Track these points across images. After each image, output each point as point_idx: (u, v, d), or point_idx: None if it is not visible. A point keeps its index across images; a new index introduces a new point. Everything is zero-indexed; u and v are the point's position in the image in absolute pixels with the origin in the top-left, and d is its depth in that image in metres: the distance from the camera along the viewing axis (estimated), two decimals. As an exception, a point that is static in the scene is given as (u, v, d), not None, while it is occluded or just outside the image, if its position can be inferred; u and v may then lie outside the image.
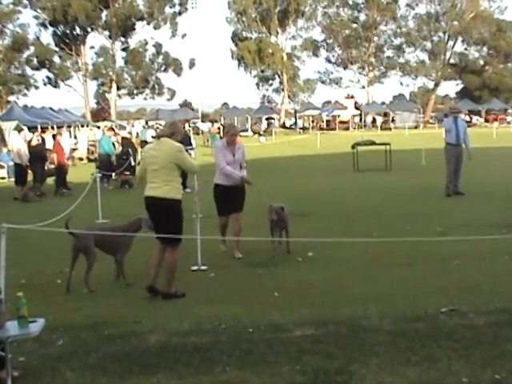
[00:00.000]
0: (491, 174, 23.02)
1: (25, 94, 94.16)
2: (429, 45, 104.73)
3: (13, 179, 24.92)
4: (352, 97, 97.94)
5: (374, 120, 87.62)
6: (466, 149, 18.51)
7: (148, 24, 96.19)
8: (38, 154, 23.04)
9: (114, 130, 29.94)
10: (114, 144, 27.44)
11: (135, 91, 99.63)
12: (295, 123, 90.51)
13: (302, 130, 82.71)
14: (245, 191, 11.77)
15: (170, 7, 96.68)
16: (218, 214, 11.79)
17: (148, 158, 9.22)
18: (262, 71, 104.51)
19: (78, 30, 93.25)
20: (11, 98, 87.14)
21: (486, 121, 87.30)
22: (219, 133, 57.78)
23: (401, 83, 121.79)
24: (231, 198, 11.44)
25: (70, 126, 51.12)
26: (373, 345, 6.66)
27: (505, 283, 9.03)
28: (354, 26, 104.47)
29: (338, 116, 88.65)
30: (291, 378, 5.92)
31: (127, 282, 9.78)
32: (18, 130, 27.13)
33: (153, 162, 9.02)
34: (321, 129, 78.35)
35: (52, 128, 42.73)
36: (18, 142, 23.66)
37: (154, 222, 9.17)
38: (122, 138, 30.05)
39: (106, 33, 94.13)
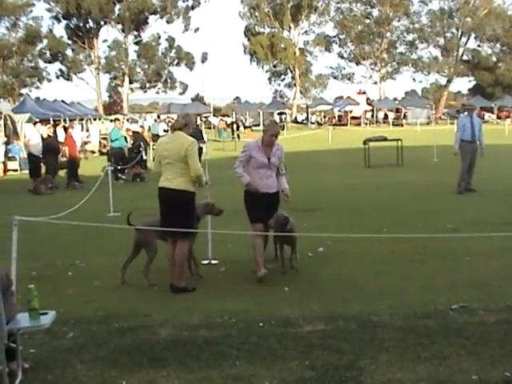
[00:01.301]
0: (503, 172, 22.95)
1: (37, 87, 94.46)
2: (442, 41, 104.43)
3: (25, 171, 25.00)
4: (364, 92, 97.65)
5: (386, 116, 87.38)
6: (479, 146, 18.50)
7: (161, 18, 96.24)
8: (49, 147, 23.10)
9: (118, 119, 29.70)
10: (125, 138, 27.46)
11: (147, 85, 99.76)
12: (307, 118, 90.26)
13: (315, 125, 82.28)
14: (279, 200, 9.91)
15: (183, 1, 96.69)
16: (250, 222, 9.73)
17: (161, 151, 9.25)
18: (275, 66, 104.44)
19: (91, 23, 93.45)
20: (24, 91, 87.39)
21: (499, 118, 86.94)
22: (231, 127, 57.92)
23: (413, 79, 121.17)
24: (262, 206, 9.52)
25: (82, 119, 51.21)
26: (383, 341, 6.66)
27: (515, 281, 9.02)
28: (367, 21, 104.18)
29: (350, 111, 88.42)
30: (301, 373, 5.93)
31: (198, 272, 9.84)
32: (33, 122, 27.26)
33: (166, 155, 9.06)
34: (332, 124, 78.13)
35: (64, 121, 42.81)
36: (33, 134, 23.73)
37: (164, 214, 9.12)
38: (133, 132, 30.10)
39: (119, 26, 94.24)
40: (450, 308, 7.71)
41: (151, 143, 36.02)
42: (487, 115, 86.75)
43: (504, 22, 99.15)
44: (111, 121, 44.37)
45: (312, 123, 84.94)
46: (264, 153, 9.64)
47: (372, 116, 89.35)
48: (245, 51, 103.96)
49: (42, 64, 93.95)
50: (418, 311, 7.64)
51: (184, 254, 9.11)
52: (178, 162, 8.94)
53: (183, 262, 9.14)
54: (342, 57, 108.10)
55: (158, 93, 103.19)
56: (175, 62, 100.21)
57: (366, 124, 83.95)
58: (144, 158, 26.23)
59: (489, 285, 8.81)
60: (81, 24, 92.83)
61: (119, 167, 24.31)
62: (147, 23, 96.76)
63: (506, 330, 6.87)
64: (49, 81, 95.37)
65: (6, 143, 30.90)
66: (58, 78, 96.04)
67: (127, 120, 50.20)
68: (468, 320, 7.27)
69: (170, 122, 51.61)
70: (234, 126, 57.44)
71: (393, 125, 79.10)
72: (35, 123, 26.81)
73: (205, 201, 9.95)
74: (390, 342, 6.63)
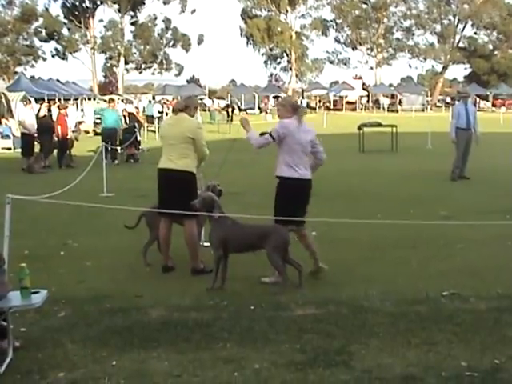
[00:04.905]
0: (497, 160, 22.95)
1: (32, 66, 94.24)
2: (438, 28, 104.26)
3: (18, 150, 24.90)
4: (360, 78, 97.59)
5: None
6: (473, 133, 18.50)
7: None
8: (45, 126, 23.00)
9: (113, 100, 29.21)
10: (121, 119, 27.33)
11: (143, 66, 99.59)
12: (301, 102, 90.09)
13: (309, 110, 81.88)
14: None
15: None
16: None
17: (164, 132, 9.31)
18: (271, 49, 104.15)
19: (87, 3, 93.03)
20: (19, 69, 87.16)
21: (494, 106, 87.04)
22: (226, 110, 57.78)
23: (409, 65, 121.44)
24: (303, 198, 8.98)
25: (76, 99, 51.03)
26: (373, 326, 6.68)
27: (507, 269, 9.03)
28: (364, 6, 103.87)
29: (346, 96, 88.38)
30: (291, 356, 5.94)
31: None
32: (25, 102, 27.12)
33: (170, 136, 9.06)
34: (327, 109, 77.98)
35: (59, 100, 42.61)
36: (25, 113, 23.64)
37: (165, 195, 9.08)
38: (128, 113, 30.02)
39: (116, 6, 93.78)
40: (442, 295, 7.74)
41: (145, 124, 35.96)
42: (482, 103, 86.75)
43: (501, 10, 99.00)
44: (105, 101, 44.15)
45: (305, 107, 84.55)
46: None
47: (367, 101, 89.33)
48: (241, 34, 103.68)
49: (37, 43, 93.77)
50: (410, 297, 7.66)
51: (193, 236, 9.09)
52: (182, 144, 8.93)
53: (195, 243, 9.12)
54: (339, 41, 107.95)
55: (153, 74, 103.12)
56: (171, 44, 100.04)
57: (362, 109, 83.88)
58: (138, 138, 26.15)
59: (480, 272, 8.83)
60: (77, 3, 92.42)
61: (118, 148, 24.16)
62: (143, 4, 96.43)
63: (497, 317, 6.90)
64: (44, 60, 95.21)
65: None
66: (53, 57, 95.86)
67: (122, 101, 49.98)
68: (459, 307, 7.29)
69: (164, 103, 51.53)
70: (229, 109, 57.14)
71: (388, 111, 79.07)
72: (26, 103, 26.64)
73: (213, 182, 9.87)
74: (380, 327, 6.65)
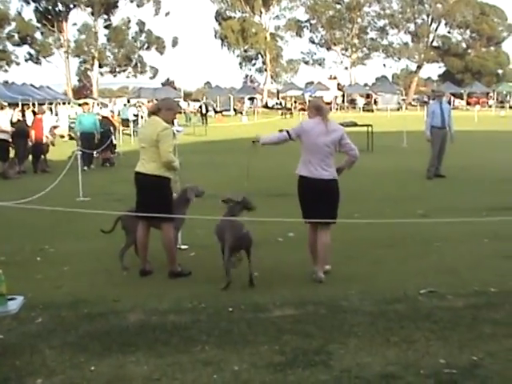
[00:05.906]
0: (472, 158, 23.11)
1: (5, 70, 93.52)
2: (412, 27, 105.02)
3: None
4: (335, 78, 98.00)
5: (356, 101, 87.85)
6: (448, 132, 18.60)
7: (131, 1, 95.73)
8: (20, 131, 22.82)
9: (87, 103, 29.15)
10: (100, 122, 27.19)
11: (117, 69, 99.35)
12: (280, 103, 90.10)
13: (285, 111, 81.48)
14: (337, 192, 9.41)
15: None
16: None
17: (140, 135, 9.44)
18: (245, 51, 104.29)
19: (60, 7, 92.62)
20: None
21: (468, 104, 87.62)
22: (200, 111, 57.62)
23: (384, 65, 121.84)
24: (315, 198, 9.08)
25: (51, 103, 50.78)
26: (352, 325, 6.69)
27: (484, 266, 9.10)
28: (338, 6, 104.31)
29: (321, 97, 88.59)
30: (270, 357, 5.94)
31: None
32: (0, 107, 26.90)
33: (142, 139, 9.11)
34: (303, 110, 77.97)
35: (33, 105, 42.39)
36: (1, 119, 23.44)
37: (140, 199, 9.08)
38: (102, 117, 29.89)
39: (89, 10, 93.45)
40: (419, 293, 7.76)
41: (121, 128, 35.82)
42: (457, 101, 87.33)
43: (474, 9, 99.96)
44: (79, 105, 43.92)
45: (279, 108, 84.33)
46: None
47: (343, 101, 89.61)
48: (216, 36, 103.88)
49: (10, 47, 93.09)
50: (388, 296, 7.68)
51: (170, 239, 9.05)
52: (151, 147, 8.89)
53: (171, 247, 9.09)
54: (313, 42, 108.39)
55: (128, 77, 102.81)
56: (145, 47, 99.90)
57: (337, 109, 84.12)
58: (114, 142, 26.04)
59: (457, 270, 8.88)
60: (50, 7, 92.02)
61: (94, 152, 23.96)
62: (117, 7, 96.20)
63: (474, 314, 6.93)
64: (17, 64, 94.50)
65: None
66: (26, 61, 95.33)
67: (97, 104, 49.82)
68: (436, 305, 7.33)
69: (139, 106, 51.32)
70: (203, 110, 56.61)
71: (363, 110, 79.31)
72: (2, 108, 26.43)
73: (189, 184, 9.84)
74: (359, 326, 6.66)
